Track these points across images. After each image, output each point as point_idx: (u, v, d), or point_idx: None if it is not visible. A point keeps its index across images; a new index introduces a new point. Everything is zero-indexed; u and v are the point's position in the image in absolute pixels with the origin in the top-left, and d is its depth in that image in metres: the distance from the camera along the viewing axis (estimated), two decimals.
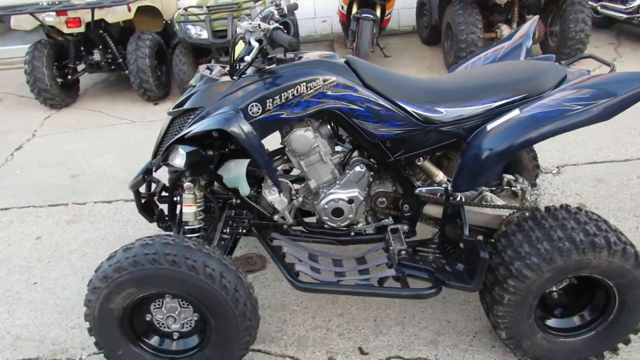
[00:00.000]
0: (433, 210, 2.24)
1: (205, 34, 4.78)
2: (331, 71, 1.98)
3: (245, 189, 2.10)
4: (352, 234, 2.25)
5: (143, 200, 2.38)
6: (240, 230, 2.34)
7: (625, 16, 5.47)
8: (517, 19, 5.16)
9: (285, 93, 1.94)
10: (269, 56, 2.06)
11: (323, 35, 7.28)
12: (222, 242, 2.33)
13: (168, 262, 1.74)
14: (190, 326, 1.93)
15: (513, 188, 2.39)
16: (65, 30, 4.93)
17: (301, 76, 1.95)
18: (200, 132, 1.83)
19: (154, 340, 1.93)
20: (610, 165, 3.33)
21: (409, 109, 2.00)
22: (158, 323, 1.93)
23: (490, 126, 1.90)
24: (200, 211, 2.15)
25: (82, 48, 5.33)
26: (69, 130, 4.88)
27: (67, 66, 5.39)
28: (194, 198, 2.09)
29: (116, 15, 5.08)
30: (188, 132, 1.87)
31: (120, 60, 5.32)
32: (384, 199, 2.22)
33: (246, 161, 2.08)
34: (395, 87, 2.03)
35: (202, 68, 2.16)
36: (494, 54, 2.44)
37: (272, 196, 2.18)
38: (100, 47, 5.31)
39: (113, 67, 5.43)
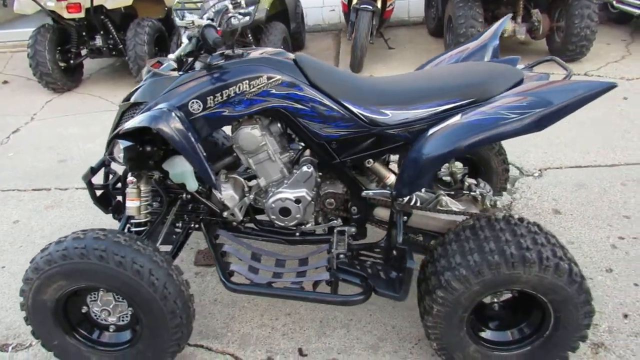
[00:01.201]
0: (383, 213, 2.20)
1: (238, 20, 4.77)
2: (276, 69, 1.94)
3: (192, 185, 2.08)
4: (298, 234, 2.22)
5: (100, 192, 2.41)
6: (192, 225, 2.35)
7: (639, 12, 5.22)
8: (523, 13, 4.99)
9: (227, 90, 1.92)
10: (217, 52, 2.04)
11: (331, 24, 7.19)
12: (174, 237, 2.34)
13: (96, 257, 1.75)
14: (126, 320, 1.96)
15: (472, 193, 2.34)
16: (66, 15, 5.00)
17: (244, 74, 1.92)
18: (130, 129, 1.82)
19: (89, 332, 1.96)
20: (595, 170, 3.21)
21: (354, 110, 1.96)
22: (94, 315, 1.95)
23: (431, 131, 1.84)
24: (147, 205, 2.15)
25: (84, 33, 5.39)
26: (67, 115, 4.96)
27: (70, 51, 5.47)
28: (138, 192, 2.09)
29: (116, 1, 5.11)
30: (122, 128, 1.87)
31: (121, 46, 5.37)
32: (333, 200, 2.18)
33: None
34: (342, 87, 1.99)
35: (150, 62, 2.14)
36: (458, 55, 2.36)
37: (223, 192, 2.17)
38: (102, 32, 5.36)
39: (114, 52, 5.48)
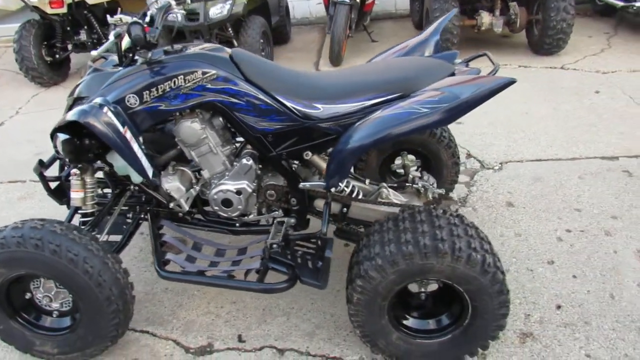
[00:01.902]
0: (321, 204, 2.26)
1: (178, 17, 4.83)
2: (211, 64, 2.00)
3: (135, 177, 2.16)
4: (238, 225, 2.29)
5: (55, 183, 2.49)
6: (142, 215, 2.42)
7: (621, 4, 5.20)
8: (501, 6, 4.99)
9: (162, 85, 1.97)
10: (157, 48, 2.09)
11: (318, 17, 7.21)
12: (125, 227, 2.41)
13: (32, 245, 1.82)
14: (69, 306, 2.03)
15: (415, 185, 2.39)
16: (49, 10, 5.08)
17: (180, 69, 1.98)
18: (63, 123, 1.89)
19: (32, 317, 2.04)
20: (554, 164, 3.24)
21: (288, 104, 2.01)
22: (38, 301, 2.04)
23: (356, 125, 1.89)
24: (93, 196, 2.23)
25: (69, 28, 5.47)
26: (52, 109, 5.04)
27: (55, 45, 5.55)
28: (82, 184, 2.16)
29: None
30: (58, 122, 1.93)
31: (105, 40, 5.44)
32: (273, 191, 2.24)
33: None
34: (276, 81, 2.04)
35: (91, 59, 2.21)
36: (400, 51, 2.40)
37: (169, 184, 2.23)
38: (86, 27, 5.44)
39: (98, 47, 5.54)
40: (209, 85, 1.99)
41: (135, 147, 1.99)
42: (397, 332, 1.88)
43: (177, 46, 2.13)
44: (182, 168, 2.28)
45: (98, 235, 2.17)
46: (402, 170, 2.74)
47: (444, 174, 2.71)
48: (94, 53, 2.06)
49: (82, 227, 2.12)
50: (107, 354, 2.12)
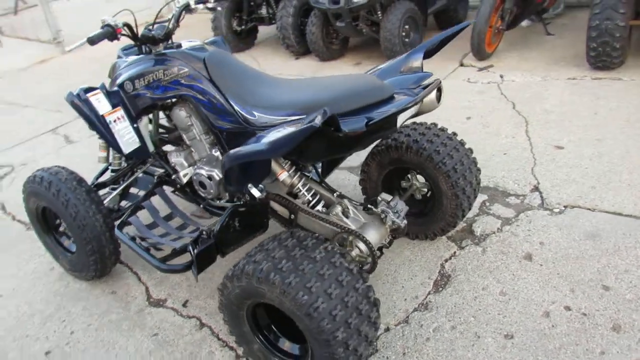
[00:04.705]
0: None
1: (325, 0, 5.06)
2: (187, 63, 2.26)
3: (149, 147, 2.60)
4: (201, 205, 2.54)
5: None
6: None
7: None
8: None
9: (148, 77, 2.33)
10: (167, 42, 2.42)
11: None
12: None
13: (45, 186, 2.43)
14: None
15: (374, 209, 2.27)
16: None
17: (162, 63, 2.30)
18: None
19: (58, 236, 2.73)
20: (633, 222, 2.51)
21: (235, 107, 2.17)
22: (62, 227, 2.71)
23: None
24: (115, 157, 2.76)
25: (252, 3, 6.25)
26: None
27: (242, 18, 6.42)
28: (106, 146, 2.71)
29: None
30: None
31: None
32: None
33: (146, 123, 2.57)
34: (233, 85, 2.20)
35: (121, 47, 2.67)
36: (380, 69, 2.24)
37: (175, 159, 2.63)
38: (265, 4, 6.13)
39: (273, 21, 6.21)
40: (183, 81, 2.26)
41: (121, 125, 2.41)
42: (258, 344, 1.93)
43: (176, 43, 2.43)
44: (188, 148, 2.63)
45: (109, 191, 2.72)
46: (412, 192, 2.59)
47: (444, 203, 2.43)
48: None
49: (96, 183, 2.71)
50: (96, 283, 2.67)
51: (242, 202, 2.29)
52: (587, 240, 2.46)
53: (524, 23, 5.46)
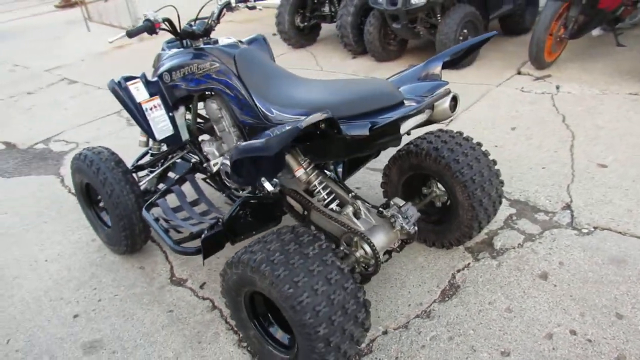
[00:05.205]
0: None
1: (383, 0, 5.05)
2: (218, 58, 2.39)
3: (183, 135, 2.78)
4: (224, 194, 2.67)
5: None
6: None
7: None
8: None
9: (184, 69, 2.50)
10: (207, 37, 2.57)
11: None
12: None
13: (87, 163, 2.67)
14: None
15: (384, 211, 2.30)
16: None
17: (197, 58, 2.45)
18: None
19: (98, 210, 2.97)
20: None
21: (257, 103, 2.27)
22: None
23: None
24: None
25: (316, 1, 6.35)
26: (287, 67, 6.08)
27: (305, 15, 6.54)
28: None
29: None
30: None
31: None
32: None
33: (182, 113, 2.74)
34: (257, 82, 2.31)
35: (165, 40, 2.84)
36: (401, 74, 2.24)
37: (207, 148, 2.79)
38: (328, 2, 6.21)
39: (335, 19, 6.27)
40: (214, 75, 2.40)
41: (157, 113, 2.59)
42: (254, 330, 2.02)
43: (213, 39, 2.57)
44: (220, 139, 2.77)
45: (148, 173, 2.92)
46: (431, 197, 2.59)
47: (460, 214, 2.41)
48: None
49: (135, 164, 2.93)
50: (127, 257, 2.89)
51: (253, 194, 2.39)
52: (611, 265, 2.34)
53: (595, 32, 5.15)
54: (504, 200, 2.92)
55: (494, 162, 2.44)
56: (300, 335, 1.75)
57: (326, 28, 7.09)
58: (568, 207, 2.79)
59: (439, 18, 5.07)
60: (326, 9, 6.37)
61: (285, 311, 1.74)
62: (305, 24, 6.61)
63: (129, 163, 2.95)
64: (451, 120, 3.95)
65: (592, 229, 2.59)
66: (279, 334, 2.01)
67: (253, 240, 1.94)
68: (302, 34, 6.69)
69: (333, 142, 1.97)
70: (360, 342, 1.88)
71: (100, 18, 9.77)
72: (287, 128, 1.60)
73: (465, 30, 4.96)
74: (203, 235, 2.20)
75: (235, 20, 8.78)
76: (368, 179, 3.38)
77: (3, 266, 2.96)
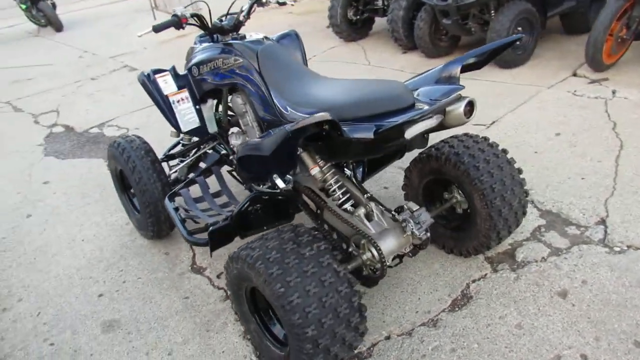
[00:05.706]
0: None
1: None
2: (243, 54, 2.44)
3: (210, 128, 2.86)
4: (245, 187, 2.71)
5: None
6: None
7: None
8: None
9: (210, 63, 2.57)
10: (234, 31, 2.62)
11: None
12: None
13: (120, 151, 2.81)
14: None
15: (396, 215, 2.26)
16: None
17: (222, 53, 2.51)
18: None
19: (130, 196, 3.12)
20: None
21: (275, 100, 2.30)
22: None
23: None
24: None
25: None
26: (336, 61, 6.05)
27: (358, 8, 6.47)
28: None
29: None
30: None
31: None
32: None
33: (210, 106, 2.82)
34: (276, 78, 2.34)
35: (197, 35, 2.91)
36: (419, 76, 2.18)
37: (234, 141, 2.85)
38: None
39: (386, 14, 6.17)
40: (237, 71, 2.45)
41: (184, 105, 2.68)
42: (254, 324, 2.06)
43: (241, 34, 2.61)
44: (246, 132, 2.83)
45: (178, 163, 3.03)
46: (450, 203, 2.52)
47: (478, 222, 2.33)
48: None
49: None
50: (155, 243, 3.02)
51: (264, 190, 2.42)
52: (638, 288, 2.18)
53: None
54: (534, 210, 2.78)
55: (519, 171, 2.34)
56: (290, 334, 1.77)
57: (379, 22, 6.98)
58: (603, 222, 2.61)
59: (492, 14, 4.87)
60: (379, 2, 6.27)
61: (277, 309, 1.76)
62: (358, 17, 6.55)
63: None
64: (493, 122, 3.80)
65: (625, 248, 2.42)
66: (277, 330, 2.04)
67: (256, 237, 1.97)
68: (354, 28, 6.64)
69: (338, 143, 1.96)
70: (354, 346, 1.87)
71: (166, 7, 10.16)
72: (280, 130, 1.61)
73: (519, 28, 4.73)
74: (210, 228, 2.26)
75: (294, 12, 8.85)
76: (398, 178, 3.32)
77: (47, 243, 3.18)
